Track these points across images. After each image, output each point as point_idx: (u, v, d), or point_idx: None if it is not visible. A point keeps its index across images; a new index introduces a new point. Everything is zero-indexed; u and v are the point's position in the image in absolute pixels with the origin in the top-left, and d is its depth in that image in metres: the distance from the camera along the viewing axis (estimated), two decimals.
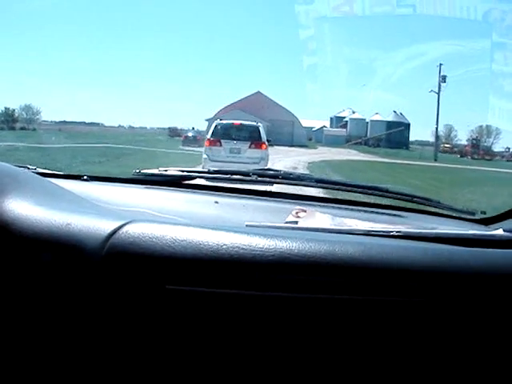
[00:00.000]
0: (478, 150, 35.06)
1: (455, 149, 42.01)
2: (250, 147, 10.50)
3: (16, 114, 36.27)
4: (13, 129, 31.37)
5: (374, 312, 0.77)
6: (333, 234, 0.92)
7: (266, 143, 10.88)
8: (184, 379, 0.77)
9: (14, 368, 0.77)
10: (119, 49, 58.94)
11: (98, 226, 0.79)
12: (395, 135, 40.08)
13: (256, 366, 0.77)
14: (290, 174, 1.48)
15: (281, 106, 34.19)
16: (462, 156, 34.58)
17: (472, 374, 0.80)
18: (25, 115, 39.11)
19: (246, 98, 33.83)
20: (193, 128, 37.18)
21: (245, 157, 10.11)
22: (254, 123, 11.40)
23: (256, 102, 31.87)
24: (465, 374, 0.80)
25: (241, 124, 11.33)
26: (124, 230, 0.78)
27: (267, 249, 0.77)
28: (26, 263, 0.76)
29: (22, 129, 32.74)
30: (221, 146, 10.52)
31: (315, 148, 31.77)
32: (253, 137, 10.74)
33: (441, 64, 29.37)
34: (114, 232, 0.78)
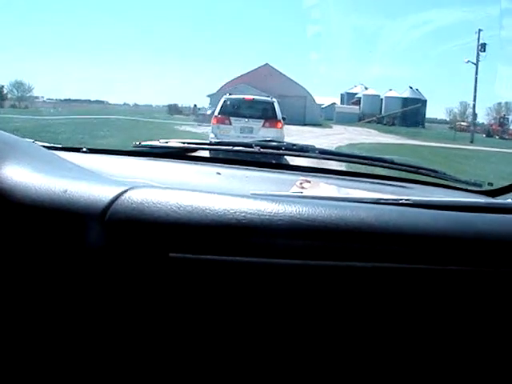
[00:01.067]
0: (508, 128, 33.46)
1: (477, 127, 40.74)
2: (263, 126, 9.54)
3: (5, 91, 35.11)
4: (1, 107, 30.30)
5: (387, 279, 0.77)
6: (342, 202, 0.89)
7: (282, 121, 9.91)
8: (189, 352, 0.76)
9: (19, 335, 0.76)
10: (120, 24, 57.68)
11: (99, 192, 0.79)
12: (411, 113, 38.85)
13: (266, 337, 0.77)
14: (294, 145, 1.49)
15: (292, 80, 32.11)
16: (488, 135, 33.01)
17: (487, 343, 0.80)
18: (16, 92, 38.11)
19: (252, 71, 31.88)
20: (195, 105, 36.08)
21: (258, 136, 9.04)
22: (268, 98, 10.40)
23: (264, 76, 29.96)
24: (478, 343, 0.80)
25: (253, 99, 10.40)
26: (126, 195, 0.78)
27: (276, 214, 0.76)
28: (24, 231, 0.76)
29: (13, 107, 31.77)
30: (230, 124, 9.55)
31: (330, 127, 29.93)
32: (267, 114, 9.81)
33: (480, 30, 25.07)
34: (116, 198, 0.77)
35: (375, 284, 0.77)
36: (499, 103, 38.64)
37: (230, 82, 30.70)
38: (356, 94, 44.57)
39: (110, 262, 0.74)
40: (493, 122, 36.91)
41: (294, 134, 15.10)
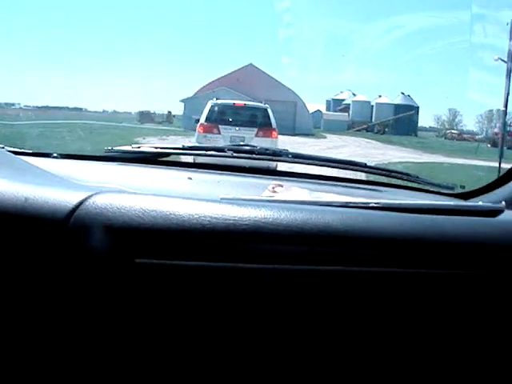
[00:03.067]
0: None
1: (464, 135, 40.97)
2: (256, 135, 9.04)
3: None
4: None
5: (353, 283, 0.82)
6: (310, 206, 0.95)
7: (277, 130, 9.43)
8: (156, 358, 0.80)
9: None
10: (94, 29, 57.12)
11: (63, 197, 0.82)
12: (404, 120, 38.99)
13: (232, 342, 0.81)
14: (266, 149, 1.55)
15: (279, 83, 30.87)
16: (494, 145, 32.74)
17: (457, 342, 0.86)
18: None
19: (234, 72, 31.02)
20: (169, 112, 35.36)
21: None
22: (261, 104, 9.93)
23: (248, 78, 29.07)
24: (448, 344, 0.86)
25: (244, 105, 9.94)
26: (91, 201, 0.81)
27: (241, 218, 0.81)
28: None
29: None
30: (219, 133, 8.99)
31: (324, 137, 28.71)
32: (260, 122, 9.38)
33: None
34: (80, 203, 0.81)
35: (341, 288, 0.81)
36: (490, 110, 39.02)
37: (207, 84, 30.06)
38: (343, 100, 44.65)
39: (73, 268, 0.77)
40: (496, 130, 36.91)
41: (288, 148, 13.85)
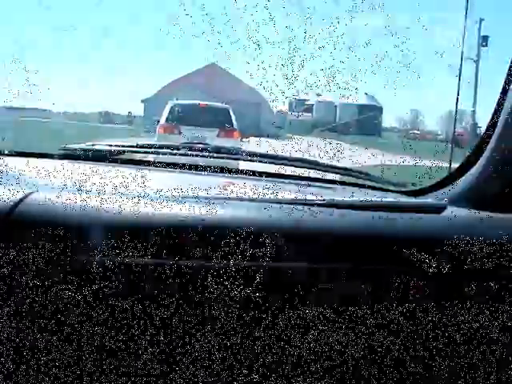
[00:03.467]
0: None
1: (427, 135, 41.89)
2: (218, 136, 9.15)
3: None
4: None
5: (286, 279, 0.83)
6: (254, 203, 0.98)
7: (239, 131, 9.54)
8: (102, 353, 0.83)
9: None
10: (57, 29, 55.94)
11: (3, 194, 0.86)
12: (368, 121, 39.59)
13: (167, 337, 0.84)
14: (221, 147, 1.70)
15: (243, 83, 30.65)
16: (457, 146, 33.51)
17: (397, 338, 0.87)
18: None
19: (196, 71, 30.88)
20: (129, 113, 34.86)
21: None
22: (222, 105, 10.03)
23: (211, 77, 28.95)
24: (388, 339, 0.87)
25: (206, 105, 9.95)
26: (32, 197, 0.85)
27: (179, 215, 0.85)
28: None
29: None
30: (180, 133, 9.02)
31: (288, 138, 27.98)
32: (221, 122, 9.44)
33: (481, 19, 21.12)
34: (20, 201, 0.84)
35: (273, 283, 0.82)
36: (451, 111, 39.90)
37: (169, 84, 29.83)
38: (307, 100, 44.98)
39: (15, 263, 0.79)
40: (461, 130, 37.82)
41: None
